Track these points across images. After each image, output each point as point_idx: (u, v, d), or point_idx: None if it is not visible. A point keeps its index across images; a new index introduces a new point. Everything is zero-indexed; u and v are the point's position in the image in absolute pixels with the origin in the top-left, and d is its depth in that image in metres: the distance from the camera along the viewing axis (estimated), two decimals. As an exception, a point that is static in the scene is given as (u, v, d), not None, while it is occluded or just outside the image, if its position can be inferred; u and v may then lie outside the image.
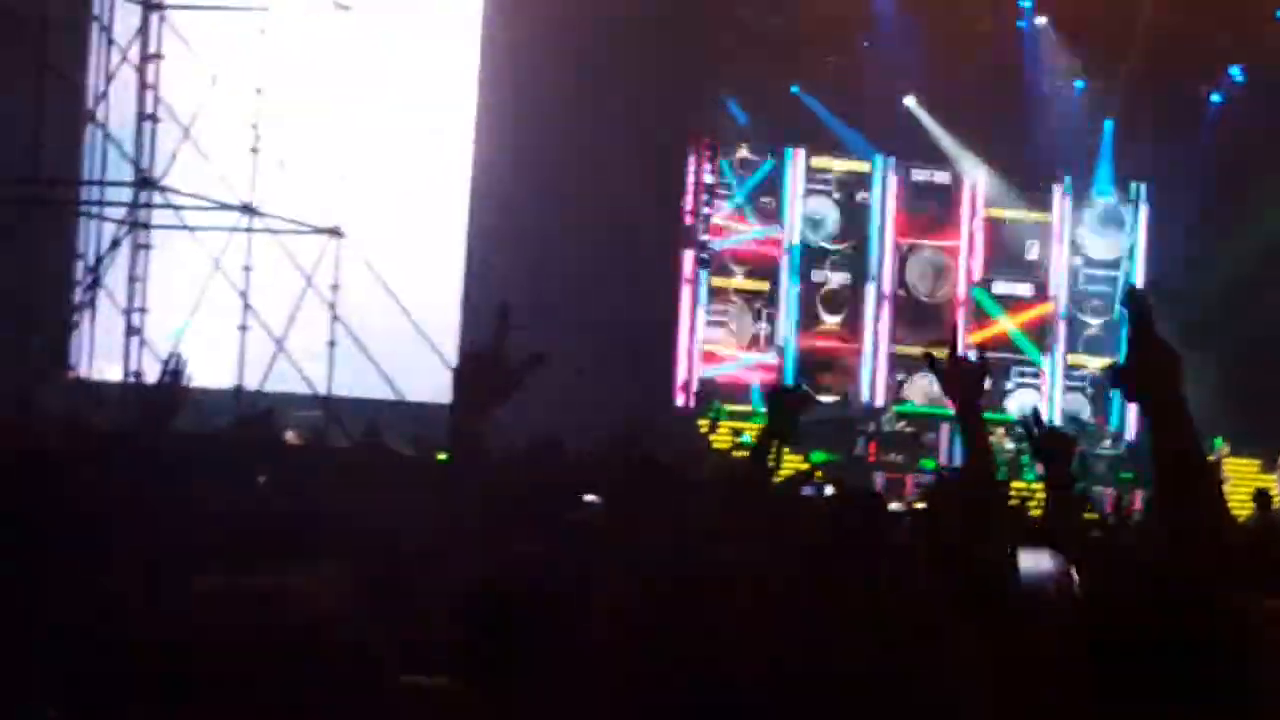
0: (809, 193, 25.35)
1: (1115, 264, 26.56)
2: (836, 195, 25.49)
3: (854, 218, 25.58)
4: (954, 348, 4.45)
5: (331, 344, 17.82)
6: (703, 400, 23.48)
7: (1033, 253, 26.35)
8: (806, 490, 10.37)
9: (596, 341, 18.49)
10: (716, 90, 23.26)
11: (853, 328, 25.68)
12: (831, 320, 25.66)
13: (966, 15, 23.96)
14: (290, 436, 13.23)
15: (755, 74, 24.63)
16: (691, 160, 22.24)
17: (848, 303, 25.68)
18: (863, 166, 25.54)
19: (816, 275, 25.54)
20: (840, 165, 25.47)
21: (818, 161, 25.24)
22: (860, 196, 25.62)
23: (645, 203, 19.94)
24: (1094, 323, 26.35)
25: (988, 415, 20.47)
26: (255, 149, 17.11)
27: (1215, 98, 25.16)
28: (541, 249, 18.98)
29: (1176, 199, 25.49)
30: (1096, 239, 26.54)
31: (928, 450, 23.56)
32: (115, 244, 17.18)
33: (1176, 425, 3.18)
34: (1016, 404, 25.28)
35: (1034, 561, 4.08)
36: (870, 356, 25.63)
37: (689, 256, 22.94)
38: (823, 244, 25.56)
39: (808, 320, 25.47)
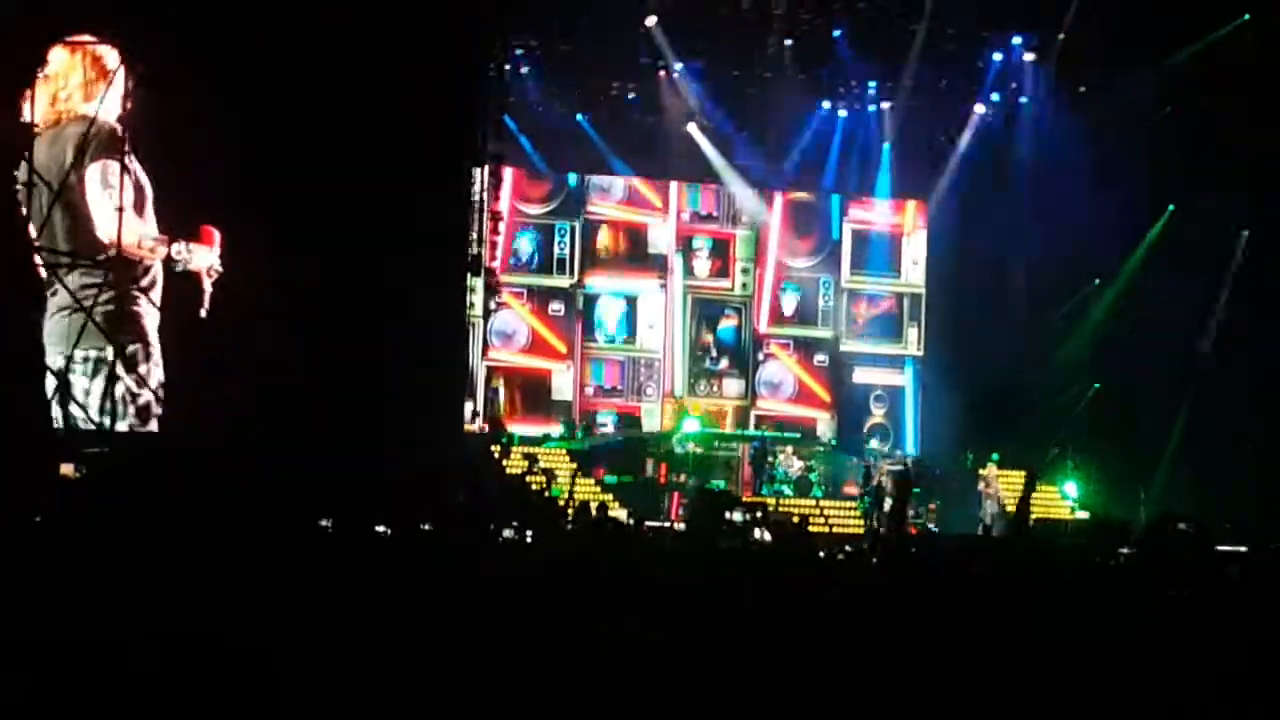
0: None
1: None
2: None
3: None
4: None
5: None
6: (495, 427, 23.47)
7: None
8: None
9: (387, 367, 18.07)
10: (501, 114, 23.08)
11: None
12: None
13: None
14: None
15: (541, 101, 24.70)
16: (477, 184, 21.88)
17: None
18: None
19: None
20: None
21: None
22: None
23: (431, 227, 19.48)
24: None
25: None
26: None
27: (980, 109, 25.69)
28: (317, 265, 17.88)
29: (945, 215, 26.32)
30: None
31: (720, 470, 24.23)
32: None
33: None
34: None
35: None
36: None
37: (478, 283, 22.74)
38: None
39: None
